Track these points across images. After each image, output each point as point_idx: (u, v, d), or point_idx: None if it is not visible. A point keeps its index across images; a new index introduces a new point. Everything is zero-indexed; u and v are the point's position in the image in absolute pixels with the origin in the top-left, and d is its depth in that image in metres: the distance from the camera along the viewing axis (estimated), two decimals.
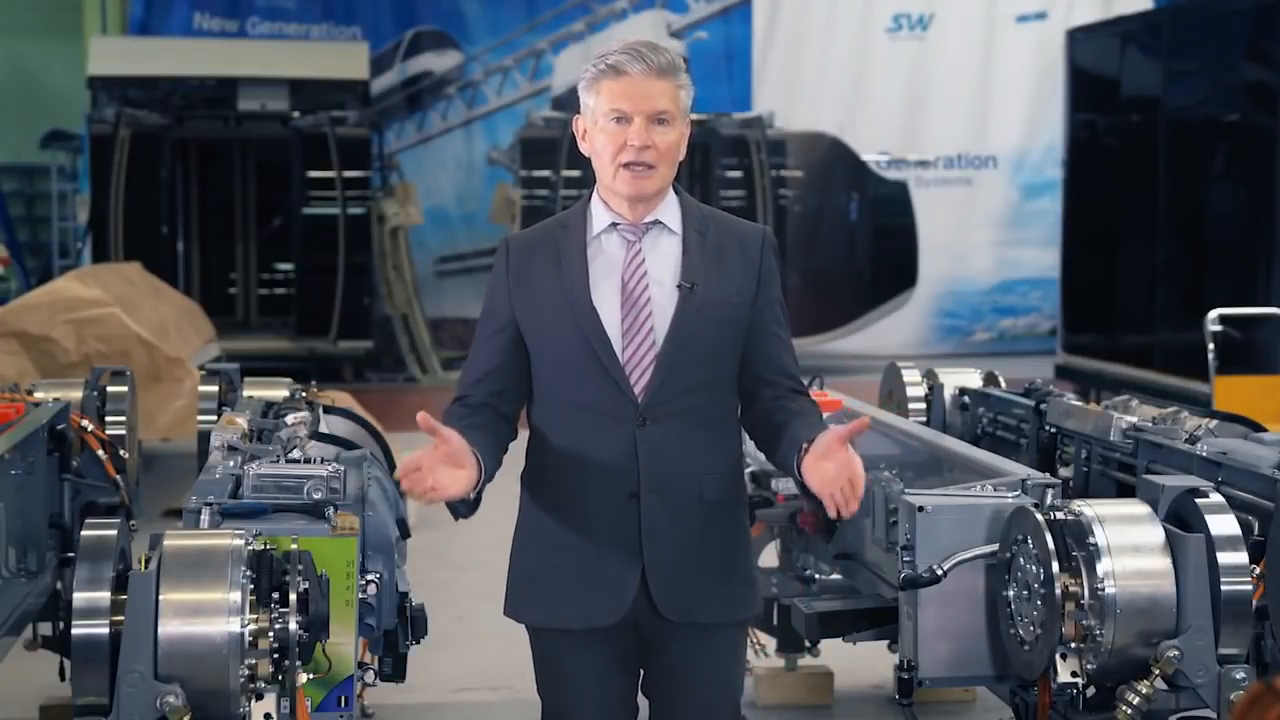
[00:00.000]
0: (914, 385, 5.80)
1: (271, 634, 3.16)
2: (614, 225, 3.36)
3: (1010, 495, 3.87)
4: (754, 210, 15.24)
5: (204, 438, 5.07)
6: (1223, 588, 3.54)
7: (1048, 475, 4.13)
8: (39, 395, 5.33)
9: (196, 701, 3.08)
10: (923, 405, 5.74)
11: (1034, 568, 3.61)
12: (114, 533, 3.41)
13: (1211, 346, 9.53)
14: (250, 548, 3.20)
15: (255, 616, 3.15)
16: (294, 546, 3.29)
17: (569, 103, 16.65)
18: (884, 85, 17.95)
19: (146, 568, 3.18)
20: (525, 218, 14.88)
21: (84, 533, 3.43)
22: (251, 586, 3.16)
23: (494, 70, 18.23)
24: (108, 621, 3.25)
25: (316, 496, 3.49)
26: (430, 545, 7.86)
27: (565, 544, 3.35)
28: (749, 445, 3.55)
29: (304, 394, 5.26)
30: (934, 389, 5.76)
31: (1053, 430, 4.96)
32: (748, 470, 4.25)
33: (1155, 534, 3.59)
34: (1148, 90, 12.52)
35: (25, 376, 7.88)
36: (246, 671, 3.13)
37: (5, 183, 18.50)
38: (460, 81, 18.19)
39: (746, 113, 16.28)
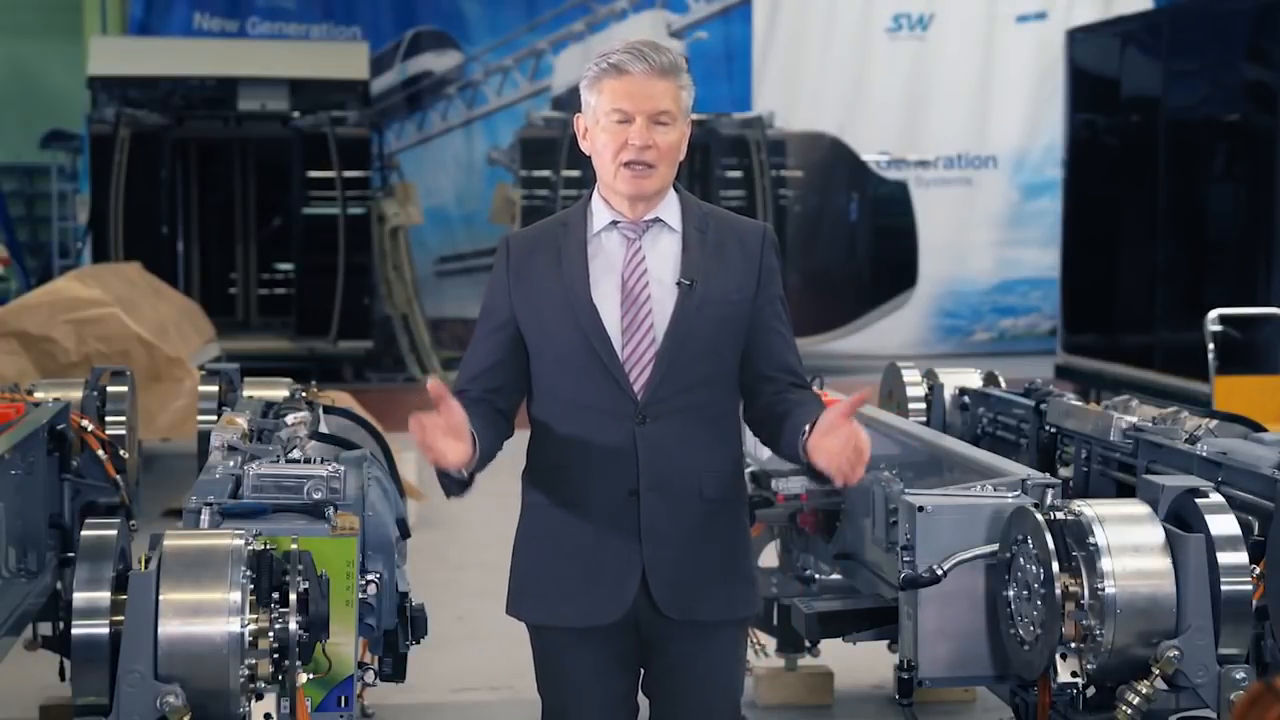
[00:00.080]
0: (914, 385, 5.79)
1: (271, 634, 3.16)
2: (614, 223, 3.37)
3: (1010, 495, 3.87)
4: (754, 210, 15.23)
5: (204, 438, 5.07)
6: (1223, 588, 3.54)
7: (1048, 475, 4.13)
8: (39, 395, 5.33)
9: (196, 701, 3.08)
10: (923, 405, 5.74)
11: (1034, 568, 3.61)
12: (114, 533, 3.41)
13: (1211, 346, 9.53)
14: (250, 548, 3.20)
15: (255, 616, 3.15)
16: (294, 546, 3.29)
17: (569, 103, 16.65)
18: (884, 85, 17.95)
19: (146, 568, 3.18)
20: (525, 218, 14.87)
21: (84, 533, 3.43)
22: (251, 586, 3.16)
23: (494, 70, 18.23)
24: (108, 621, 3.25)
25: (316, 496, 3.50)
26: (430, 545, 7.86)
27: (566, 542, 3.35)
28: (749, 445, 3.55)
29: (304, 394, 5.26)
30: (934, 389, 5.76)
31: (1053, 430, 4.96)
32: (748, 470, 4.25)
33: (1155, 534, 3.59)
34: (1148, 90, 12.52)
35: (25, 376, 7.88)
36: (246, 671, 3.13)
37: (5, 183, 18.50)
38: (460, 81, 18.19)
39: (746, 113, 16.27)
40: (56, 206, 18.48)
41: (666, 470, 3.31)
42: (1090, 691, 3.58)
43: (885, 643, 4.77)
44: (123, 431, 5.42)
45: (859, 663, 5.77)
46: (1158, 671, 3.49)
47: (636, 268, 3.34)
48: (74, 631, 3.28)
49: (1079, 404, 4.96)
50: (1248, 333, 10.52)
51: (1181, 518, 3.65)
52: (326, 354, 15.03)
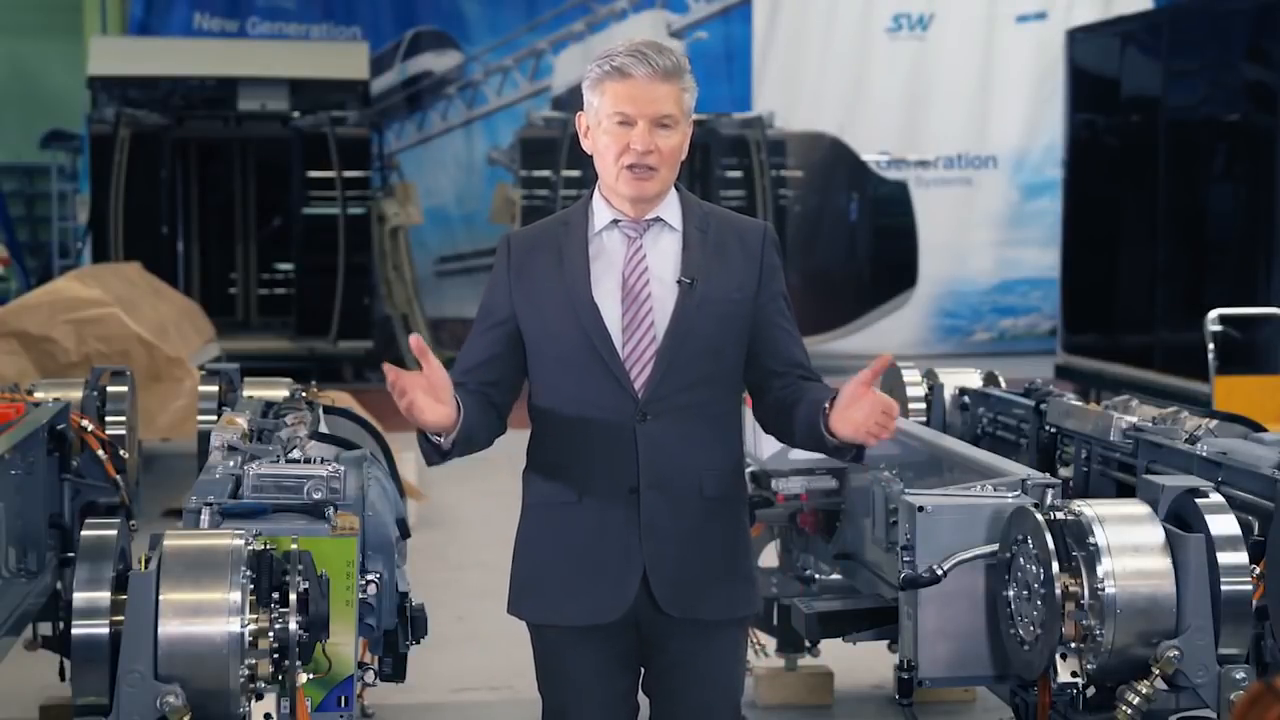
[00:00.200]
0: (914, 385, 5.79)
1: (271, 634, 3.16)
2: (615, 222, 3.38)
3: (1010, 495, 3.87)
4: (754, 210, 15.21)
5: (204, 438, 5.07)
6: (1223, 588, 3.54)
7: (1048, 475, 4.13)
8: (39, 395, 5.33)
9: (196, 701, 3.08)
10: (923, 405, 5.74)
11: (1034, 568, 3.61)
12: (114, 533, 3.41)
13: (1211, 346, 9.53)
14: (250, 548, 3.20)
15: (255, 616, 3.15)
16: (294, 546, 3.29)
17: (569, 103, 16.65)
18: (884, 85, 17.95)
19: (146, 568, 3.18)
20: (525, 218, 14.86)
21: (84, 533, 3.43)
22: (251, 587, 3.16)
23: (494, 70, 18.23)
24: (108, 621, 3.24)
25: (316, 496, 3.49)
26: (430, 545, 7.86)
27: (566, 540, 3.36)
28: (749, 445, 3.56)
29: (304, 394, 5.26)
30: (934, 389, 5.76)
31: (1053, 430, 4.96)
32: (748, 470, 4.25)
33: (1155, 534, 3.59)
34: (1148, 90, 12.52)
35: (25, 376, 7.87)
36: (246, 671, 3.13)
37: (5, 183, 18.50)
38: (460, 81, 18.20)
39: (746, 113, 16.27)
40: (56, 206, 18.49)
41: (667, 468, 3.31)
42: (1090, 691, 3.59)
43: (885, 643, 4.77)
44: (123, 431, 5.42)
45: (859, 663, 5.77)
46: (1158, 671, 3.49)
47: (637, 266, 3.35)
48: (74, 631, 3.27)
49: (1079, 404, 4.96)
50: (1248, 333, 10.52)
51: (1181, 518, 3.65)
52: (326, 354, 15.03)
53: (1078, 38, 13.75)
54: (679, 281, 3.33)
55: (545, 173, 15.48)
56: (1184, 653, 3.49)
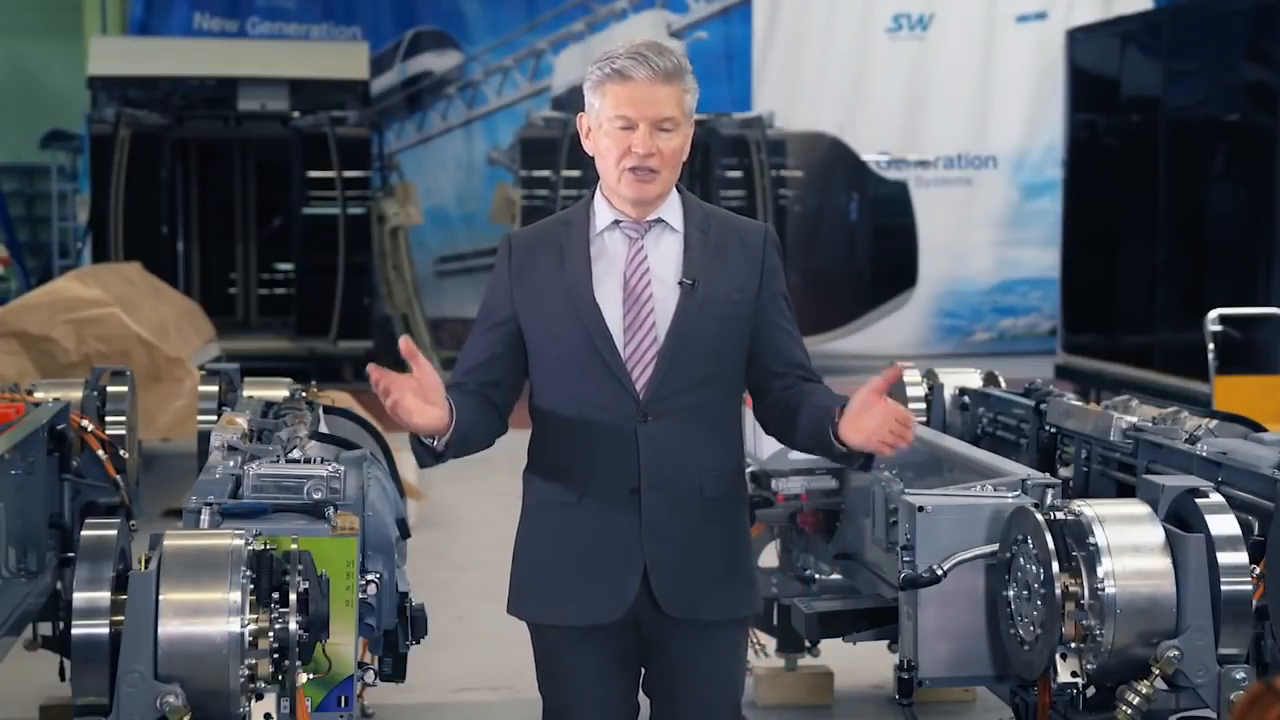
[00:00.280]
0: (914, 385, 5.79)
1: (271, 634, 3.16)
2: (616, 223, 3.38)
3: (1010, 495, 3.87)
4: (754, 210, 15.22)
5: (204, 438, 5.07)
6: (1223, 588, 3.54)
7: (1048, 475, 4.13)
8: (39, 395, 5.32)
9: (196, 701, 3.08)
10: (923, 405, 5.74)
11: (1034, 568, 3.61)
12: (114, 533, 3.41)
13: (1211, 346, 9.53)
14: (250, 548, 3.20)
15: (255, 616, 3.15)
16: (294, 546, 3.28)
17: (569, 103, 16.66)
18: (884, 85, 17.94)
19: (146, 568, 3.18)
20: (525, 218, 14.87)
21: (84, 533, 3.43)
22: (251, 587, 3.16)
23: (494, 70, 18.23)
24: (108, 621, 3.24)
25: (316, 496, 3.49)
26: (430, 545, 7.86)
27: (567, 540, 3.36)
28: (749, 445, 3.56)
29: (304, 394, 5.26)
30: (934, 389, 5.76)
31: (1053, 430, 4.96)
32: (748, 470, 4.25)
33: (1155, 534, 3.59)
34: (1148, 90, 12.52)
35: (25, 376, 7.88)
36: (246, 671, 3.13)
37: (5, 183, 18.50)
38: (460, 81, 18.20)
39: (746, 113, 16.27)
40: (56, 206, 18.49)
41: (668, 468, 3.31)
42: (1090, 691, 3.59)
43: (885, 643, 4.76)
44: (123, 431, 5.42)
45: (859, 663, 5.77)
46: (1158, 671, 3.49)
47: (639, 267, 3.35)
48: (74, 631, 3.27)
49: (1079, 404, 4.96)
50: (1248, 333, 10.52)
51: (1181, 518, 3.65)
52: (326, 354, 15.03)
53: (1078, 38, 13.75)
54: (680, 283, 3.33)
55: (545, 173, 15.48)
56: (1184, 653, 3.49)
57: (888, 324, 16.72)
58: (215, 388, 5.76)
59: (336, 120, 14.99)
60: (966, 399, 5.64)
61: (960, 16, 18.00)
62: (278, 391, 5.36)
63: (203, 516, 3.44)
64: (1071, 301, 13.77)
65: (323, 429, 4.79)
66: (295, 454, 3.87)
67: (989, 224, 18.23)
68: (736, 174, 15.81)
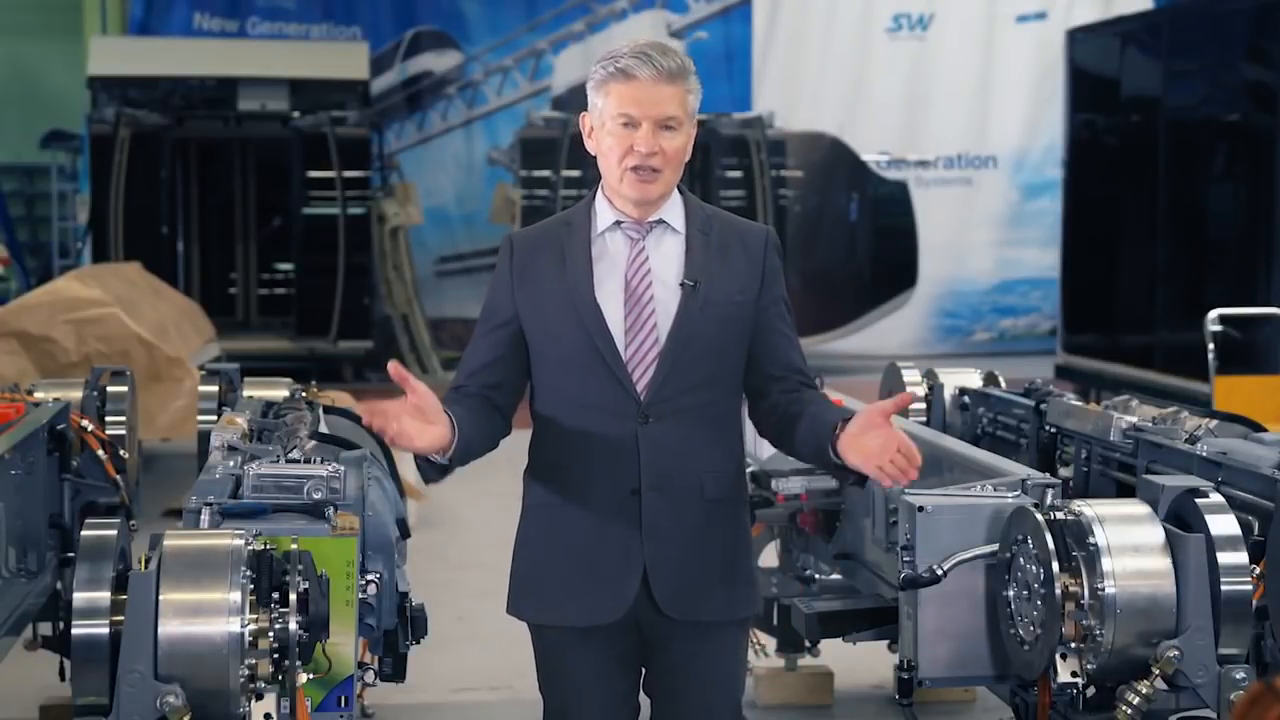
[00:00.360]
0: (914, 385, 5.79)
1: (271, 634, 3.16)
2: (618, 223, 3.38)
3: (1010, 495, 3.87)
4: (754, 210, 15.23)
5: (204, 438, 5.07)
6: (1223, 588, 3.54)
7: (1048, 475, 4.13)
8: (39, 395, 5.33)
9: (196, 701, 3.08)
10: (923, 405, 5.74)
11: (1034, 568, 3.61)
12: (114, 533, 3.41)
13: (1211, 346, 9.53)
14: (250, 548, 3.20)
15: (255, 616, 3.15)
16: (294, 546, 3.28)
17: (569, 103, 16.66)
18: (884, 85, 17.95)
19: (146, 568, 3.18)
20: (525, 218, 14.87)
21: (84, 533, 3.43)
22: (251, 586, 3.16)
23: (494, 70, 18.23)
24: (108, 621, 3.24)
25: (316, 496, 3.49)
26: (430, 545, 7.86)
27: (567, 541, 3.36)
28: (749, 445, 3.55)
29: (304, 394, 5.26)
30: (934, 389, 5.76)
31: (1053, 430, 4.96)
32: (748, 470, 4.25)
33: (1155, 534, 3.59)
34: (1148, 90, 12.52)
35: (25, 376, 7.88)
36: (246, 671, 3.13)
37: (5, 183, 18.50)
38: (460, 81, 18.19)
39: (746, 113, 16.28)
40: (56, 206, 18.48)
41: (668, 470, 3.31)
42: (1090, 691, 3.58)
43: (885, 643, 4.77)
44: (123, 431, 5.42)
45: (859, 663, 5.77)
46: (1158, 671, 3.49)
47: (640, 268, 3.35)
48: (74, 631, 3.27)
49: (1079, 404, 4.96)
50: (1248, 333, 10.52)
51: (1181, 518, 3.65)
52: (326, 354, 15.03)
53: (1078, 38, 13.75)
54: (682, 284, 3.33)
55: (545, 173, 15.49)
56: (1184, 653, 3.49)
57: (888, 324, 16.73)
58: (215, 388, 5.77)
59: (336, 120, 15.00)
60: (966, 399, 5.64)
61: (960, 16, 18.00)
62: (278, 391, 5.36)
63: (203, 516, 3.44)
64: (1071, 301, 13.77)
65: (323, 429, 4.79)
66: (295, 454, 3.87)
67: (989, 224, 18.23)
68: (736, 174, 15.82)
